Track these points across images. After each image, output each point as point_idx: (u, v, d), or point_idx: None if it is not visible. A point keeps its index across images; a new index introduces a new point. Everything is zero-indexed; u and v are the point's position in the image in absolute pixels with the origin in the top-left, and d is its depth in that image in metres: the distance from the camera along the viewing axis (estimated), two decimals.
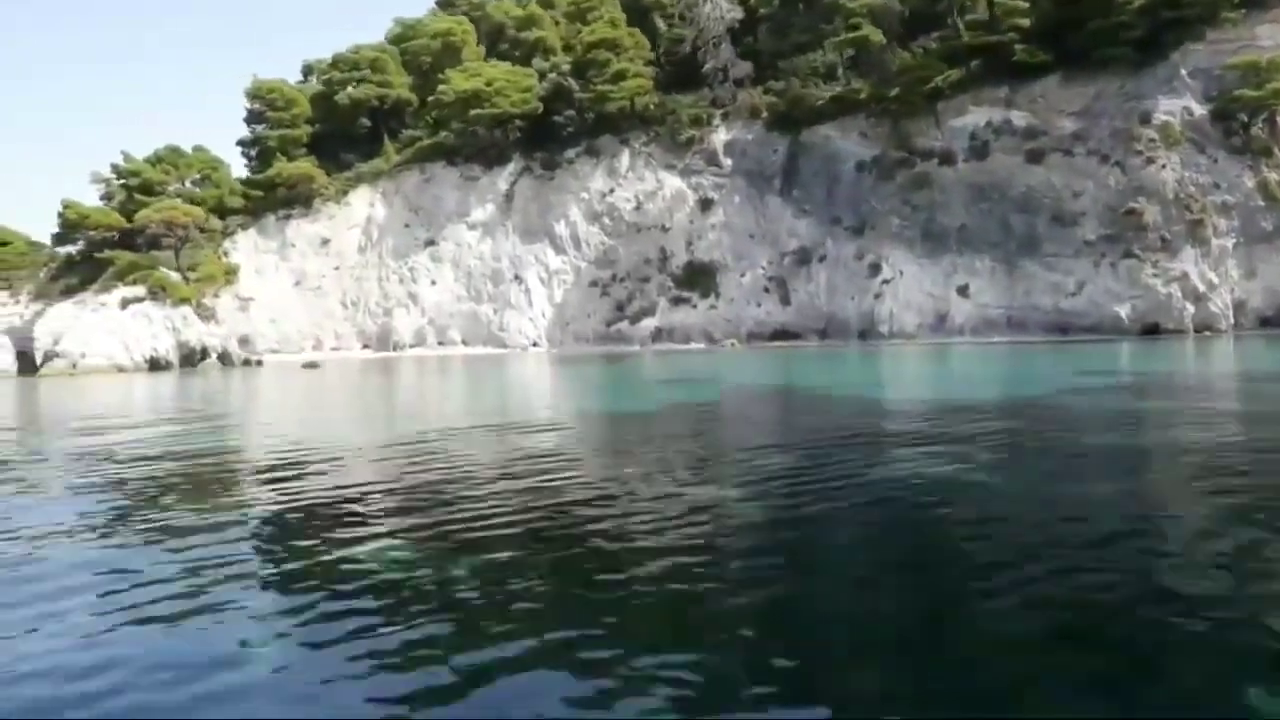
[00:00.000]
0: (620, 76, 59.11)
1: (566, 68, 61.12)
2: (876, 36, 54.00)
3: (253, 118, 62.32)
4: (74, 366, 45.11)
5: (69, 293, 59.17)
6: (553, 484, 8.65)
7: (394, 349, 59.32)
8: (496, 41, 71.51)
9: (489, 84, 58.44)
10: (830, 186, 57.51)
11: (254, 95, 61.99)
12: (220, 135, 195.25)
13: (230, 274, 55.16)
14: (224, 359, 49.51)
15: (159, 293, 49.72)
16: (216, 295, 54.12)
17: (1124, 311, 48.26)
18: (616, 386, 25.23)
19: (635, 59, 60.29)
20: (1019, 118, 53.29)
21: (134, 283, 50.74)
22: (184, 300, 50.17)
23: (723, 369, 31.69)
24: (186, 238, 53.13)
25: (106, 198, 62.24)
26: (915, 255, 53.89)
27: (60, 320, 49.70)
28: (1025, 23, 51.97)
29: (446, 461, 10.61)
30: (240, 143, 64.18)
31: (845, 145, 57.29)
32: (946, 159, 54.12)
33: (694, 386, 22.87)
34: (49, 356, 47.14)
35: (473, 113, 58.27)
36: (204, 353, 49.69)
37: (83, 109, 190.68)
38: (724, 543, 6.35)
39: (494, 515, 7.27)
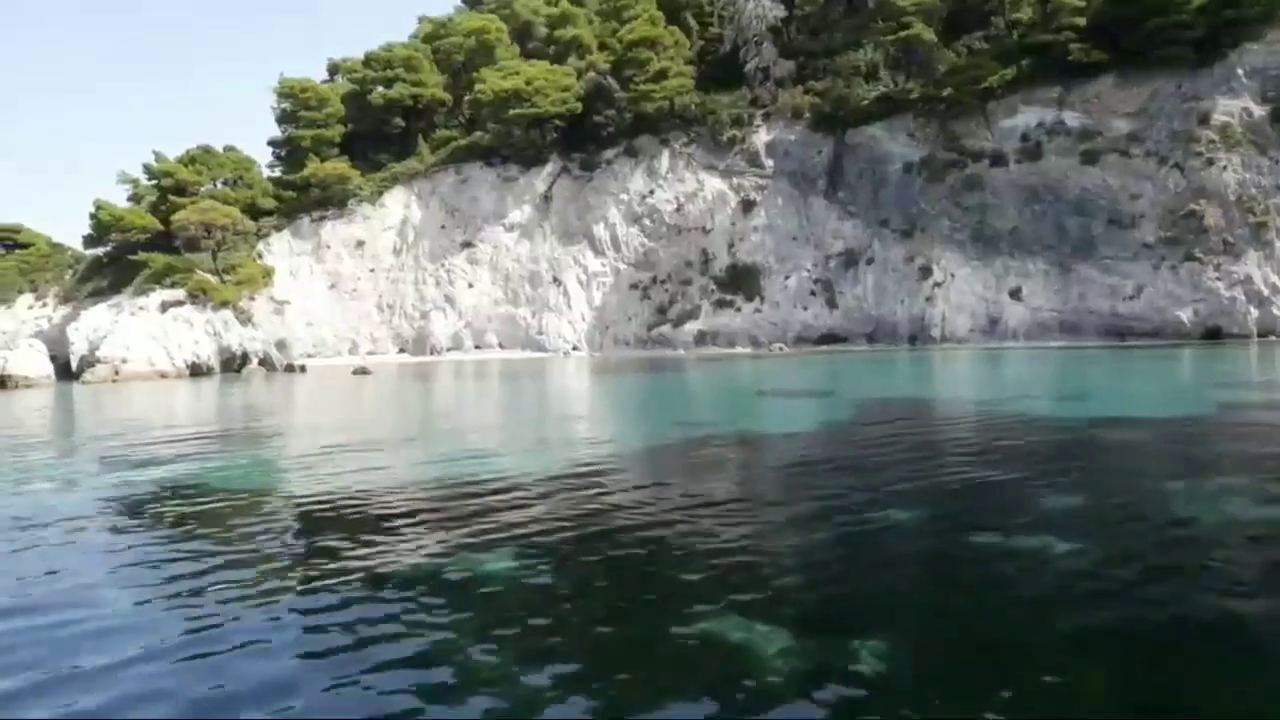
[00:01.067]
0: (662, 75, 58.09)
1: (606, 66, 59.99)
2: (928, 34, 53.00)
3: (285, 117, 60.95)
4: (116, 372, 43.80)
5: (98, 295, 57.93)
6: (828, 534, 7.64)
7: (430, 353, 58.17)
8: (524, 40, 70.38)
9: (528, 83, 57.29)
10: (876, 188, 56.57)
11: (285, 94, 60.63)
12: (233, 134, 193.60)
13: (267, 276, 53.93)
14: (265, 364, 48.27)
15: (199, 296, 48.44)
16: (252, 298, 52.90)
17: (1185, 315, 47.51)
18: (725, 400, 24.12)
19: (676, 58, 59.27)
20: (1072, 118, 52.47)
21: (172, 285, 49.45)
22: (225, 304, 48.90)
23: (814, 377, 30.68)
24: (224, 240, 51.88)
25: (134, 199, 60.96)
26: (966, 258, 53.05)
27: (96, 324, 48.37)
28: (1080, 21, 50.87)
29: (641, 498, 9.55)
30: (272, 142, 62.91)
31: (892, 146, 56.38)
32: (998, 160, 53.27)
33: (812, 400, 21.80)
34: (87, 362, 45.79)
35: (512, 112, 57.13)
36: (245, 358, 48.42)
37: (91, 110, 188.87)
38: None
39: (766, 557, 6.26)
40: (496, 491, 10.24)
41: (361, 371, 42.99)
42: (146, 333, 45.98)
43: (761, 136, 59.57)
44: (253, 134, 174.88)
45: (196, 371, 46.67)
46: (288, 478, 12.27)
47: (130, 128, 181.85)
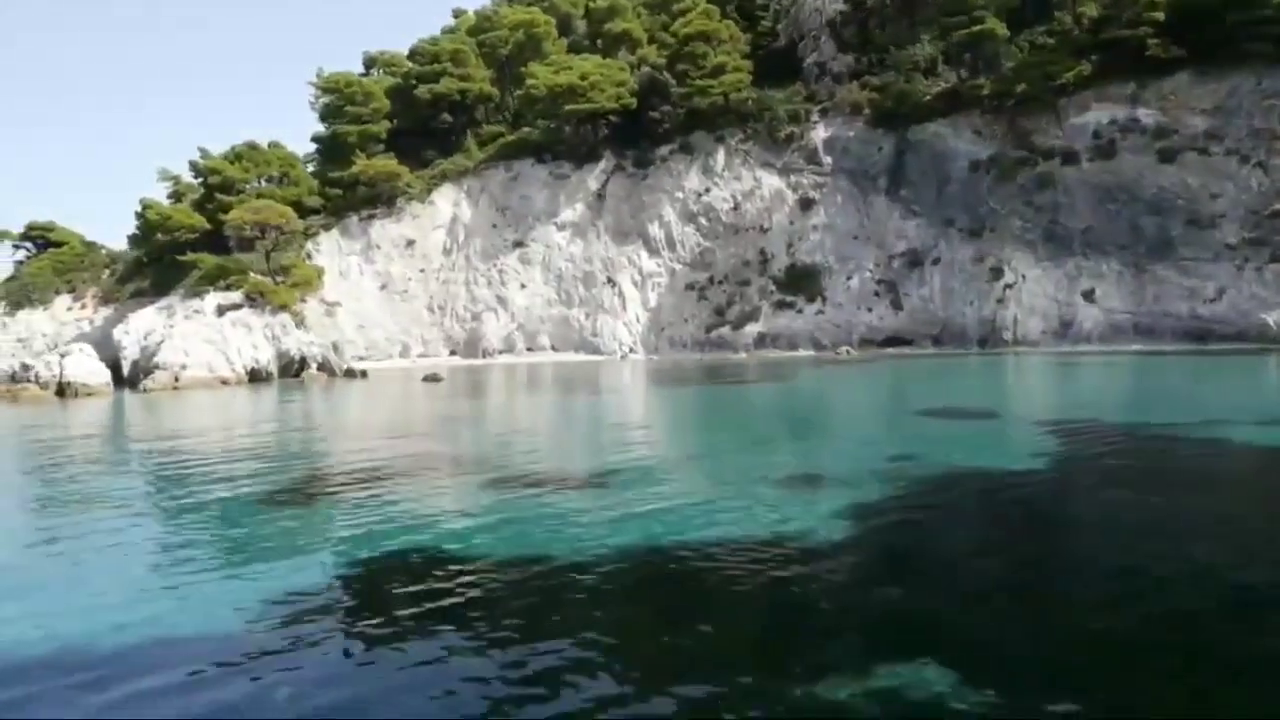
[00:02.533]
0: (719, 70, 56.67)
1: (661, 61, 58.50)
2: (1001, 30, 51.61)
3: (329, 112, 59.20)
4: (175, 379, 42.27)
5: (140, 296, 56.42)
6: None
7: (482, 355, 56.76)
8: (565, 32, 68.84)
9: (583, 78, 55.77)
10: (941, 186, 55.26)
11: (330, 89, 58.92)
12: (251, 130, 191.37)
13: (320, 278, 52.44)
14: (324, 369, 46.73)
15: (257, 299, 46.89)
16: (304, 300, 51.39)
17: (1272, 319, 46.26)
18: (888, 422, 22.78)
19: (732, 52, 57.80)
20: (1146, 115, 51.18)
21: (227, 288, 47.89)
22: (283, 307, 47.37)
23: (947, 390, 29.41)
24: (278, 241, 50.34)
25: (175, 196, 59.34)
26: (1037, 258, 51.84)
27: (148, 327, 46.82)
28: (1158, 16, 49.48)
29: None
30: (316, 139, 61.09)
31: (957, 143, 55.06)
32: (1069, 158, 52.01)
33: (987, 425, 20.41)
34: (142, 368, 44.24)
35: (567, 108, 55.63)
36: (303, 362, 46.91)
37: (106, 109, 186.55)
38: None
39: None
40: (736, 557, 8.87)
41: (433, 379, 41.50)
42: (204, 337, 44.45)
43: (819, 133, 58.20)
44: (278, 130, 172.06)
45: (255, 377, 45.18)
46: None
47: (148, 125, 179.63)
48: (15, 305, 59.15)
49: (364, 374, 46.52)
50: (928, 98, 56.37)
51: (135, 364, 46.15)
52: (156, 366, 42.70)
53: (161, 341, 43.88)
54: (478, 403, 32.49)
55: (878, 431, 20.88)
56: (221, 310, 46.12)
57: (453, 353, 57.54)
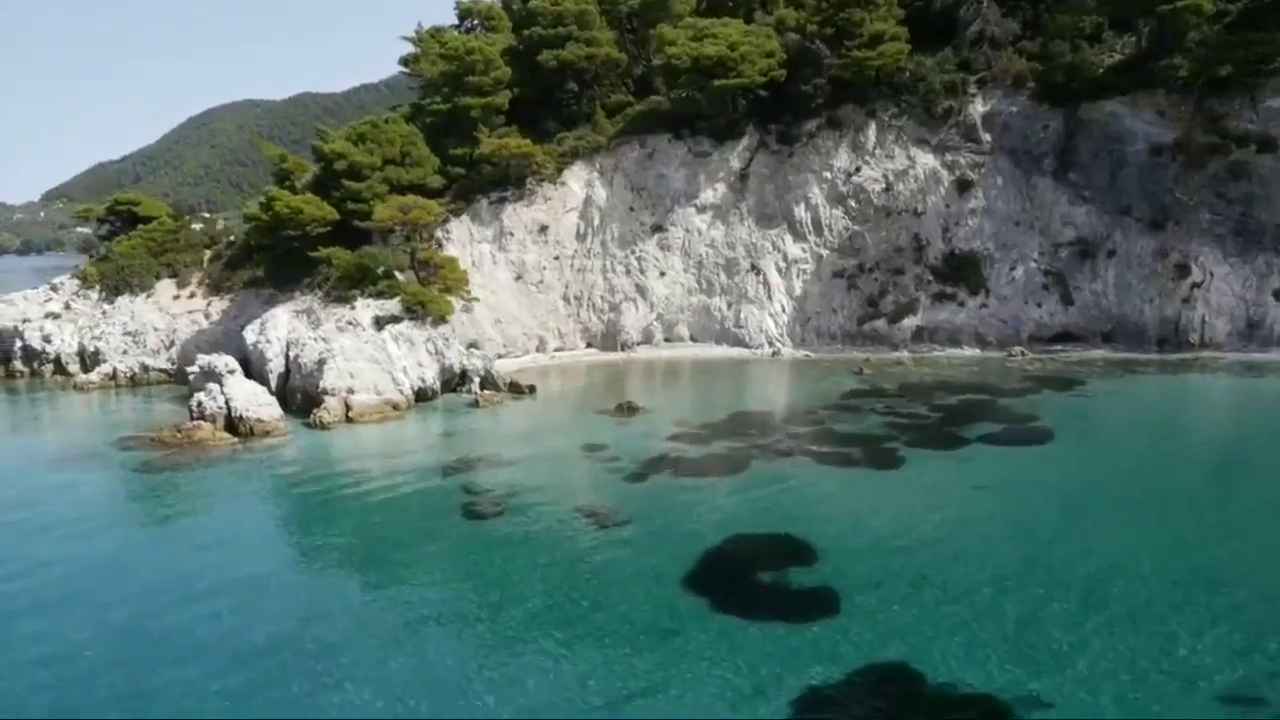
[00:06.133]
0: (878, 39, 52.13)
1: (811, 27, 53.73)
2: (1207, 5, 47.22)
3: (449, 82, 54.06)
4: (348, 408, 39.10)
5: (255, 287, 52.70)
6: None
7: (621, 348, 53.71)
8: None
9: (731, 48, 51.13)
10: (1115, 170, 51.66)
11: (449, 55, 53.69)
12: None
13: (465, 274, 48.74)
14: (487, 384, 43.53)
15: (417, 310, 43.36)
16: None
17: None
18: None
19: (888, 17, 53.13)
20: None
21: (378, 294, 44.25)
22: (443, 319, 43.92)
23: None
24: (423, 236, 46.47)
25: (281, 177, 54.93)
26: (1225, 254, 48.86)
27: (288, 335, 43.32)
28: None
29: None
30: (431, 111, 55.87)
31: (1135, 124, 51.25)
32: (1266, 145, 48.48)
33: None
34: (300, 389, 40.99)
35: (716, 84, 51.16)
36: (463, 377, 43.73)
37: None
38: None
39: None
40: None
41: (628, 410, 38.53)
42: (367, 356, 41.06)
43: (977, 107, 54.02)
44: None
45: (420, 397, 42.07)
46: None
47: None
48: (113, 290, 55.22)
49: (531, 389, 43.49)
50: (1100, 71, 52.22)
51: (282, 378, 42.85)
52: (324, 392, 39.44)
53: (322, 360, 40.47)
54: (759, 486, 29.51)
55: None
56: (380, 323, 42.62)
57: (589, 345, 54.43)
